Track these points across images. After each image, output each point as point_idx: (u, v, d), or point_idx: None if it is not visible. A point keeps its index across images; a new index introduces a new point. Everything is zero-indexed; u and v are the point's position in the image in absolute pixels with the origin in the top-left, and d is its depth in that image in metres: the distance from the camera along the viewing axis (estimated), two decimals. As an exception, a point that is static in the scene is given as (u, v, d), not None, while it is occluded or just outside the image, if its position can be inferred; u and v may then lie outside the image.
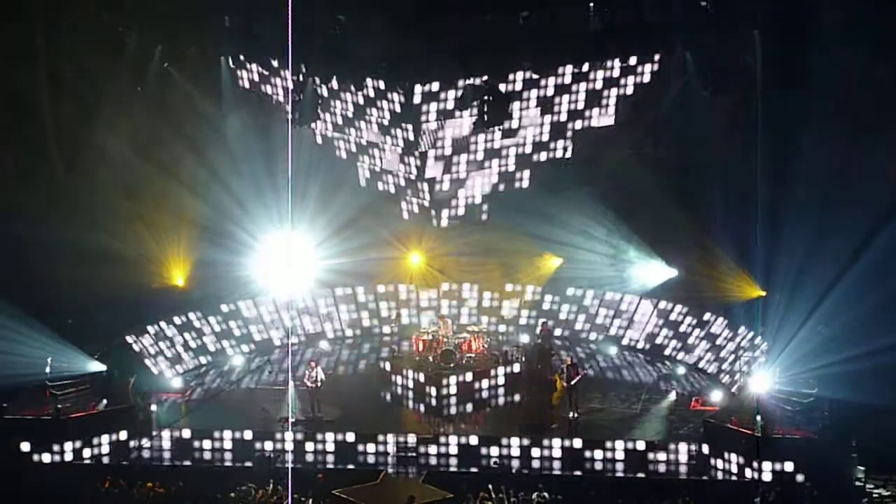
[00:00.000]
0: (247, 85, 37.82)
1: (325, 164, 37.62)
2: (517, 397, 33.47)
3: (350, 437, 30.28)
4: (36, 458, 29.60)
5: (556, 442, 29.85)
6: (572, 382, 31.47)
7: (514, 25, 34.49)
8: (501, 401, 33.61)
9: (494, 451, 29.89)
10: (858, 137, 32.38)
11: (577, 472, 29.18)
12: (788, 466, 27.93)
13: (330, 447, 30.19)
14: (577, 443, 29.84)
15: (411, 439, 30.24)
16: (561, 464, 29.71)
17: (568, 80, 35.92)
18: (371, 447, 30.17)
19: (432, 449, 30.14)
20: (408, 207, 37.71)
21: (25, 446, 29.57)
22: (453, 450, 30.15)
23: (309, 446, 30.21)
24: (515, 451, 29.90)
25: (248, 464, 29.40)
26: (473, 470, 29.48)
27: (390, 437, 30.20)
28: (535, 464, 29.76)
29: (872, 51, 32.12)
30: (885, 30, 31.69)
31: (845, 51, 32.25)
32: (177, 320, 35.96)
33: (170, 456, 30.32)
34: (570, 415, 31.46)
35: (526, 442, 29.92)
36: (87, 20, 35.13)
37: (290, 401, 30.51)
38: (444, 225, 37.53)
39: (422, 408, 33.13)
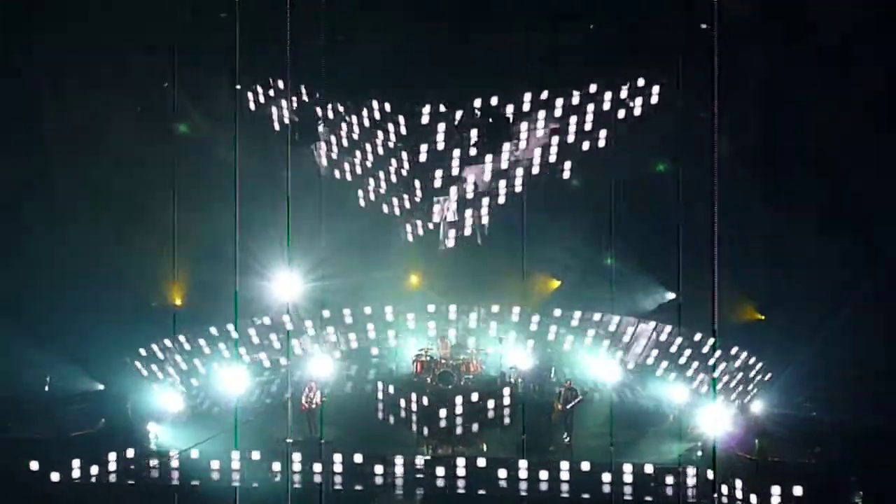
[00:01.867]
0: (247, 106, 37.88)
1: (325, 186, 37.65)
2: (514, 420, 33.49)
3: (348, 458, 30.26)
4: (35, 476, 29.58)
5: (556, 465, 29.84)
6: (569, 406, 31.44)
7: (515, 46, 34.56)
8: (499, 423, 33.58)
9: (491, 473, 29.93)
10: (861, 159, 32.38)
11: (584, 495, 29.23)
12: (787, 490, 27.93)
13: (327, 468, 30.18)
14: (574, 466, 29.80)
15: (408, 461, 30.20)
16: (558, 486, 29.67)
17: (569, 101, 35.97)
18: (367, 469, 30.12)
19: (429, 470, 30.09)
20: (412, 231, 37.72)
21: (24, 464, 29.57)
22: (450, 472, 30.10)
23: (307, 467, 30.20)
24: (513, 474, 29.91)
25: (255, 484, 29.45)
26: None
27: (388, 459, 30.14)
28: (532, 486, 29.73)
29: (876, 72, 32.16)
30: (889, 51, 31.75)
31: (847, 72, 32.31)
32: (175, 339, 35.95)
33: (168, 476, 30.28)
34: (565, 437, 31.43)
35: (523, 464, 29.89)
36: (89, 40, 35.17)
37: (288, 422, 30.46)
38: (450, 245, 37.53)
39: (418, 429, 33.09)
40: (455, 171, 35.97)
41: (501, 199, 37.19)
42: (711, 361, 34.87)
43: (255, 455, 30.27)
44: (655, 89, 36.48)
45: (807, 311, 31.23)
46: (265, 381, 36.66)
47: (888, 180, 32.05)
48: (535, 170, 36.95)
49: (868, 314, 30.63)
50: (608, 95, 36.32)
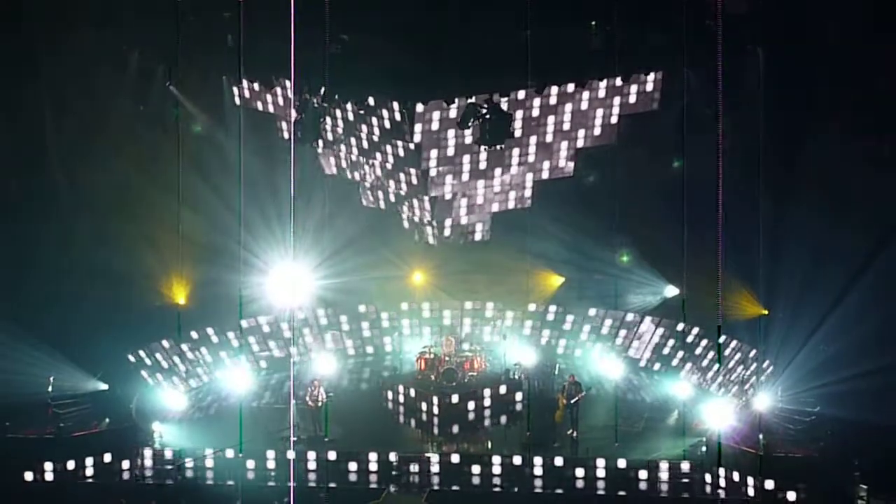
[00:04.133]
0: (249, 104, 37.93)
1: (327, 183, 37.69)
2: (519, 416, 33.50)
3: (352, 455, 30.29)
4: (37, 476, 29.60)
5: (559, 460, 29.86)
6: (573, 400, 31.49)
7: (516, 43, 34.52)
8: (504, 419, 33.61)
9: (497, 469, 29.96)
10: (862, 154, 32.37)
11: (589, 491, 29.28)
12: (790, 485, 27.97)
13: (331, 466, 30.23)
14: (579, 462, 29.84)
15: (413, 458, 30.22)
16: (563, 483, 29.71)
17: (570, 98, 35.98)
18: (374, 465, 30.15)
19: (434, 467, 30.11)
20: (419, 227, 37.76)
21: (27, 465, 29.58)
22: (455, 468, 30.12)
23: (312, 465, 30.21)
24: (517, 470, 29.95)
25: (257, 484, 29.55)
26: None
27: (393, 456, 30.17)
28: (538, 482, 29.77)
29: (876, 68, 32.16)
30: (888, 46, 31.73)
31: (849, 69, 32.32)
32: (179, 339, 35.97)
33: (171, 475, 30.29)
34: (570, 432, 31.47)
35: (528, 460, 29.93)
36: (89, 39, 35.15)
37: (291, 419, 30.47)
38: (456, 242, 37.53)
39: (424, 426, 33.12)
40: (460, 168, 35.99)
41: (508, 196, 37.26)
42: (715, 357, 34.92)
43: (259, 454, 30.29)
44: (658, 86, 36.46)
45: (810, 306, 31.20)
46: (269, 380, 36.71)
47: (889, 177, 32.05)
48: (533, 166, 37.01)
49: (871, 309, 30.59)
50: (612, 92, 36.32)
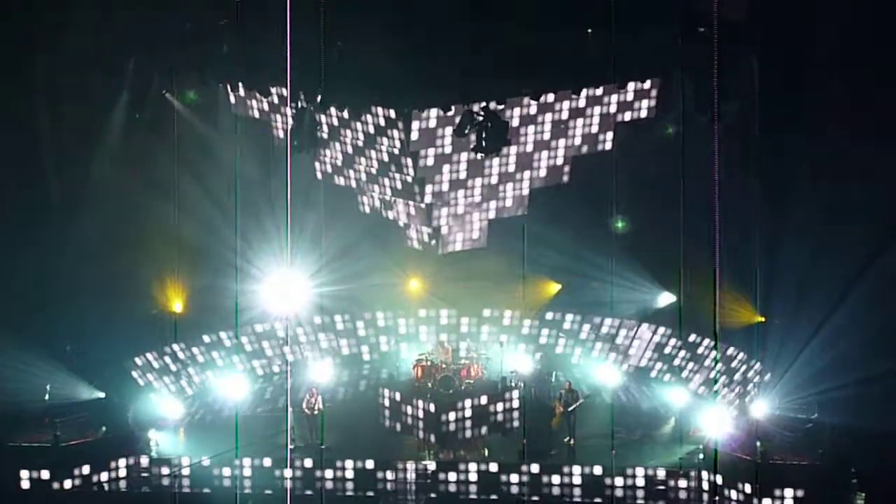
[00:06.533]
0: (245, 112, 37.92)
1: (323, 191, 37.66)
2: (516, 423, 33.44)
3: (348, 464, 30.23)
4: (36, 485, 29.52)
5: (556, 468, 29.82)
6: (570, 408, 31.44)
7: (513, 51, 34.52)
8: (500, 427, 33.55)
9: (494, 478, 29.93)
10: (859, 161, 32.36)
11: (586, 499, 29.33)
12: (788, 493, 27.92)
13: (328, 474, 30.15)
14: (575, 469, 29.79)
15: (410, 466, 30.17)
16: (559, 490, 29.66)
17: (567, 105, 35.97)
18: (368, 474, 30.09)
19: (430, 476, 30.06)
20: (416, 235, 37.74)
21: (23, 473, 29.51)
22: (452, 477, 30.07)
23: (308, 472, 30.18)
24: (514, 478, 29.87)
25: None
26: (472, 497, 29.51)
27: (389, 465, 30.11)
28: (534, 490, 29.70)
29: (871, 74, 32.14)
30: (883, 53, 31.73)
31: (844, 74, 32.32)
32: (175, 347, 35.94)
33: (168, 483, 30.23)
34: (567, 439, 31.43)
35: (525, 468, 29.88)
36: (84, 46, 35.11)
37: (288, 427, 30.43)
38: (453, 250, 37.53)
39: (420, 434, 33.08)
40: (457, 176, 35.97)
41: (504, 203, 37.23)
42: (712, 363, 34.91)
43: (256, 462, 30.24)
44: (654, 93, 36.48)
45: (807, 312, 31.19)
46: (265, 388, 36.68)
47: (888, 180, 32.07)
48: (531, 174, 37.01)
49: (868, 315, 30.57)
50: (608, 99, 36.31)
